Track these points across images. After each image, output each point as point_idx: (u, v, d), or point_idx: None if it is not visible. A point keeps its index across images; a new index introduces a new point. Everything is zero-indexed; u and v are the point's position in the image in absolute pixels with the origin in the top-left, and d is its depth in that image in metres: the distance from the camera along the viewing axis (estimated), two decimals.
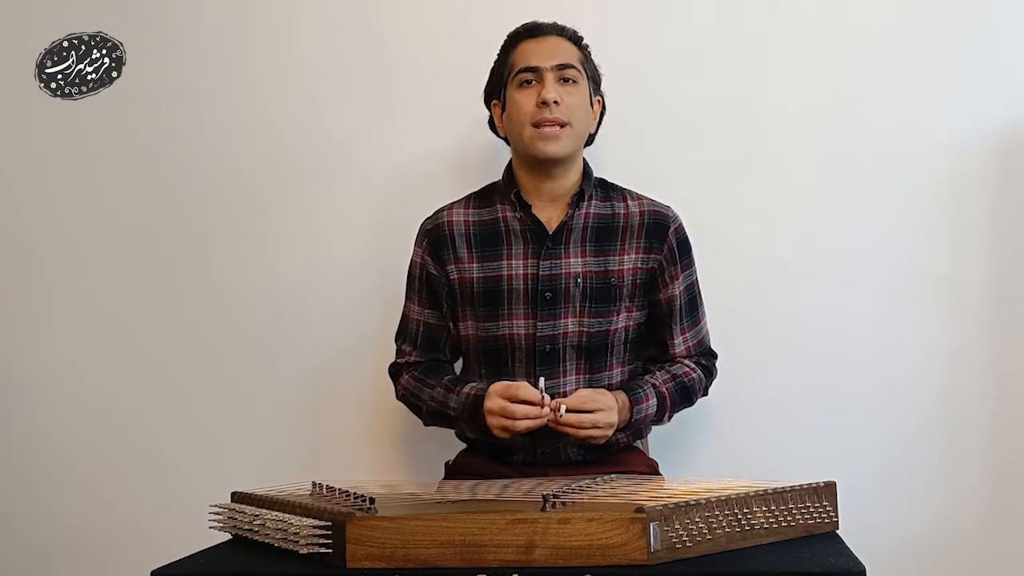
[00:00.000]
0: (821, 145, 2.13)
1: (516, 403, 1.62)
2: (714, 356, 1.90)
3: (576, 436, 1.65)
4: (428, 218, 1.88)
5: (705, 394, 1.89)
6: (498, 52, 1.85)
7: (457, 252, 1.83)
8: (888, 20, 2.13)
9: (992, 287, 2.10)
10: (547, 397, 1.63)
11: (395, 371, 1.91)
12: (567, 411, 1.62)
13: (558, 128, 1.74)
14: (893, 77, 2.12)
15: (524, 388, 1.64)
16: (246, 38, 2.26)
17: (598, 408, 1.64)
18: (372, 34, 2.23)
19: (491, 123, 1.89)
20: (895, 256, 2.11)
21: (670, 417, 1.83)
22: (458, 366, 1.95)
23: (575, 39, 1.83)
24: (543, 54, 1.78)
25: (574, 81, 1.78)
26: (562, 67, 1.77)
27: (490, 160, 2.05)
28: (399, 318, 1.92)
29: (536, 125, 1.74)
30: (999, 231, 2.10)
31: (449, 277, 1.83)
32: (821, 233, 2.12)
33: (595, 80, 1.85)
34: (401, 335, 1.91)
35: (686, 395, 1.83)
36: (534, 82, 1.77)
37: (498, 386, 1.66)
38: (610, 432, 1.66)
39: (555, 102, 1.73)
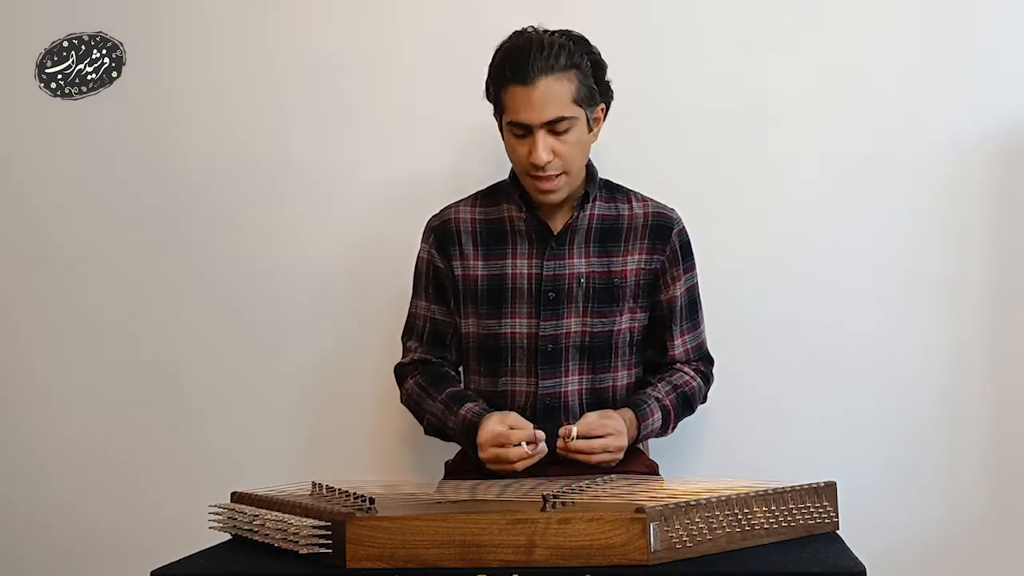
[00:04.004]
0: (821, 145, 2.13)
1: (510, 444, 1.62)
2: (712, 362, 1.91)
3: (588, 463, 1.64)
4: (435, 215, 1.88)
5: (704, 401, 1.90)
6: (487, 78, 1.74)
7: (463, 249, 1.83)
8: (888, 20, 2.13)
9: (993, 287, 2.10)
10: (540, 433, 1.62)
11: (400, 373, 1.90)
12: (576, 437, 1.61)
13: (553, 179, 1.71)
14: (893, 77, 2.11)
15: (514, 435, 1.62)
16: (246, 39, 2.26)
17: (607, 432, 1.64)
18: (371, 37, 2.23)
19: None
20: (895, 256, 2.11)
21: (673, 428, 1.84)
22: None
23: (567, 66, 1.66)
24: (533, 109, 1.66)
25: (567, 129, 1.69)
26: (553, 122, 1.67)
27: (488, 160, 2.05)
28: (402, 319, 1.92)
29: (531, 175, 1.72)
30: (1000, 231, 2.10)
31: (454, 273, 1.83)
32: (822, 233, 2.12)
33: (592, 100, 1.71)
34: (407, 332, 1.90)
35: (687, 405, 1.84)
36: (526, 135, 1.70)
37: (488, 437, 1.63)
38: (620, 455, 1.66)
39: (548, 162, 1.68)
